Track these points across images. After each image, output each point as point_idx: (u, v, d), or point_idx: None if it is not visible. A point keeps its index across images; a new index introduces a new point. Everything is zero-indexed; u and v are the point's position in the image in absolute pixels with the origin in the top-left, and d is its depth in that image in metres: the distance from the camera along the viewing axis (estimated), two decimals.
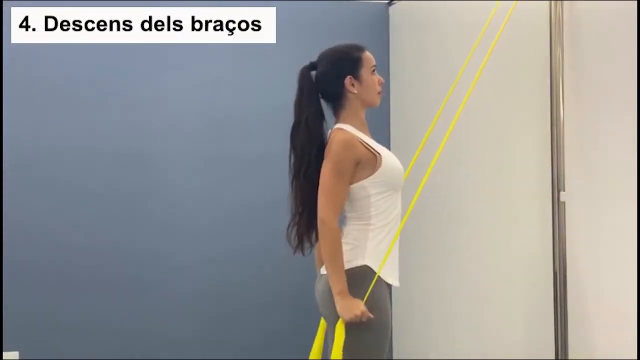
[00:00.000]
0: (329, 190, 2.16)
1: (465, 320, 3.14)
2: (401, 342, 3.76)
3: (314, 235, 2.27)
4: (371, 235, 2.19)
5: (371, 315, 2.12)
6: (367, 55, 2.28)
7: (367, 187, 2.18)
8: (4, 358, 3.28)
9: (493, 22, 2.50)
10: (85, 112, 3.47)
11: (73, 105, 3.45)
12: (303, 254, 2.28)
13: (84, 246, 3.44)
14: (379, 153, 2.20)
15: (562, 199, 2.39)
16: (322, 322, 2.34)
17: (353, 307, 2.11)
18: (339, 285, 2.13)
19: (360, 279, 2.16)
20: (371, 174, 2.18)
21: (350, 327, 2.13)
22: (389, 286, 2.25)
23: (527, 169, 2.63)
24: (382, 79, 2.31)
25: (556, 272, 2.41)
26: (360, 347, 2.15)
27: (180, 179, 3.60)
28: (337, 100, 2.26)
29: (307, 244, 2.28)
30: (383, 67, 3.74)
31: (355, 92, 2.25)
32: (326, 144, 2.24)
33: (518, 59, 2.53)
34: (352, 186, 2.19)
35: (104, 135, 3.48)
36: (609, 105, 2.21)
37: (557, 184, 2.40)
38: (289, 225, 2.27)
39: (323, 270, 2.26)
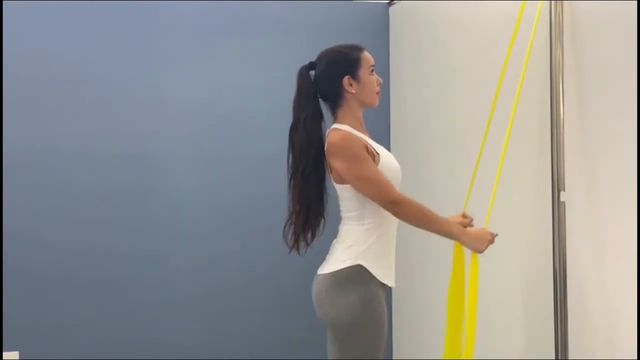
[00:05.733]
0: (366, 177, 2.15)
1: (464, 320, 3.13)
2: (401, 342, 3.76)
3: (309, 235, 2.27)
4: (366, 235, 2.19)
5: (495, 233, 2.23)
6: (366, 55, 2.29)
7: None
8: (4, 358, 3.28)
9: (494, 23, 2.50)
10: (84, 112, 3.47)
11: (71, 105, 3.45)
12: (299, 253, 2.29)
13: (83, 247, 3.44)
14: (377, 152, 2.21)
15: (562, 199, 2.39)
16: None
17: (482, 236, 2.22)
18: (451, 230, 2.20)
19: (354, 279, 2.16)
20: None
21: (345, 328, 2.14)
22: (385, 286, 2.24)
23: (527, 169, 2.63)
24: (380, 79, 2.31)
25: (556, 272, 2.41)
26: (356, 348, 2.15)
27: (180, 179, 3.60)
28: (336, 100, 2.27)
29: (302, 243, 2.28)
30: (383, 67, 3.75)
31: (354, 92, 2.25)
32: (324, 144, 2.24)
33: (518, 59, 2.53)
34: (349, 185, 2.19)
35: (102, 136, 3.49)
36: (609, 105, 2.21)
37: (557, 184, 2.40)
38: (285, 225, 2.28)
39: (320, 270, 2.26)
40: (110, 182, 3.50)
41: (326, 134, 2.26)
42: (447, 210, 3.27)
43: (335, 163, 2.19)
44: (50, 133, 3.42)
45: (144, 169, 3.55)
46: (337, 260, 2.22)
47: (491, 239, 2.23)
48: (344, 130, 2.21)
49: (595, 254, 2.28)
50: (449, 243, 3.25)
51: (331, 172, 2.24)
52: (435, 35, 3.40)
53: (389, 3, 3.85)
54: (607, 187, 2.22)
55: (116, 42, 3.52)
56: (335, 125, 2.26)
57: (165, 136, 3.58)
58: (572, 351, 2.38)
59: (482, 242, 2.21)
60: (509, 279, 2.78)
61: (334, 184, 2.26)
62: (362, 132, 2.26)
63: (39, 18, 3.40)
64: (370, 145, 2.21)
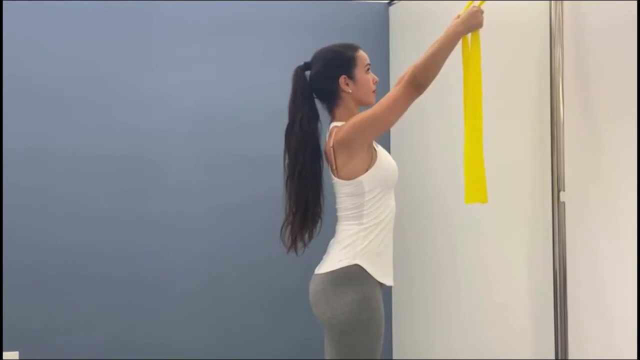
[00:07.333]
0: (387, 109, 2.14)
1: (465, 320, 3.14)
2: (401, 342, 3.76)
3: (307, 235, 2.27)
4: (363, 234, 2.19)
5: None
6: (361, 54, 2.29)
7: (363, 183, 2.18)
8: (4, 358, 3.28)
9: (493, 23, 2.50)
10: (84, 112, 3.47)
11: (71, 105, 3.45)
12: (296, 254, 2.28)
13: (83, 247, 3.44)
14: (375, 149, 2.22)
15: (562, 199, 2.39)
16: None
17: (469, 13, 2.23)
18: (451, 36, 2.22)
19: (351, 278, 2.16)
20: (367, 170, 2.18)
21: (342, 327, 2.14)
22: (383, 286, 2.24)
23: (527, 169, 2.63)
24: (376, 78, 2.31)
25: (556, 272, 2.41)
26: (353, 347, 2.15)
27: (179, 179, 3.60)
28: (332, 99, 2.27)
29: (300, 244, 2.27)
30: (383, 67, 3.75)
31: (350, 91, 2.25)
32: (321, 144, 2.24)
33: (518, 59, 2.53)
34: (348, 182, 2.20)
35: (102, 136, 3.49)
36: (609, 105, 2.21)
37: (557, 184, 2.40)
38: (282, 225, 2.27)
39: (317, 270, 2.26)
40: (110, 182, 3.50)
41: (328, 132, 2.26)
42: (448, 210, 3.27)
43: (361, 138, 2.16)
44: (50, 133, 3.42)
45: (143, 169, 3.55)
46: (334, 259, 2.21)
47: (478, 7, 2.24)
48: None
49: (595, 254, 2.28)
50: (448, 243, 3.25)
51: (336, 169, 2.23)
52: (435, 35, 3.37)
53: (389, 3, 3.85)
54: (607, 187, 2.22)
55: (116, 42, 3.52)
56: (335, 124, 2.26)
57: (165, 136, 3.58)
58: (572, 351, 2.38)
59: (474, 17, 2.23)
60: (508, 279, 2.78)
61: (338, 180, 2.24)
62: None
63: (39, 18, 3.40)
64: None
